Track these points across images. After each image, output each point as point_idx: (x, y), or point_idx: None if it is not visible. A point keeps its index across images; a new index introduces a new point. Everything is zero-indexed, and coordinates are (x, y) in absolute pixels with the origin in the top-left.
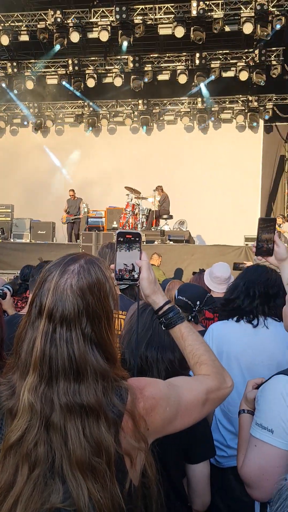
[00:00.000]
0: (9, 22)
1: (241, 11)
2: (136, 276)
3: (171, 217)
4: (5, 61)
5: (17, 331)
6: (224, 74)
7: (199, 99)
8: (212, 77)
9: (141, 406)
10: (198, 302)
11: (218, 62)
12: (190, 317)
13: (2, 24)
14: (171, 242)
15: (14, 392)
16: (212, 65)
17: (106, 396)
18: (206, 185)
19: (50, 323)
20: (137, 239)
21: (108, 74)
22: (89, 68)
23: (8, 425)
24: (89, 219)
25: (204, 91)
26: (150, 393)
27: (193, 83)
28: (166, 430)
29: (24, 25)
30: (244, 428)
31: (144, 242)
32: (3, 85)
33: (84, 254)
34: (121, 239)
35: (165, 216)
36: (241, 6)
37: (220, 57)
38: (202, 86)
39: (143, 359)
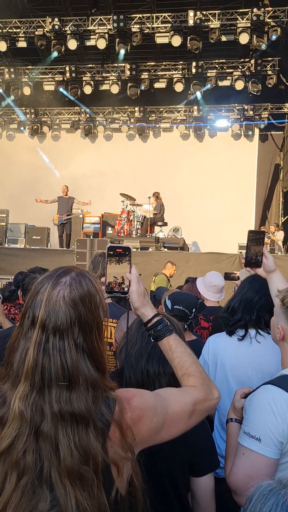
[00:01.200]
0: (7, 28)
1: (238, 22)
2: (126, 289)
3: (165, 224)
4: (3, 67)
5: (9, 342)
6: (220, 83)
7: (195, 107)
8: (208, 86)
9: (128, 416)
10: (194, 310)
11: (214, 71)
12: (185, 326)
13: (0, 30)
14: (166, 249)
15: (5, 401)
16: (209, 74)
17: (96, 405)
18: (201, 193)
19: (43, 333)
20: (127, 253)
21: (105, 81)
22: (86, 75)
23: None
24: (84, 225)
25: (200, 99)
26: (137, 403)
27: (190, 91)
28: (152, 440)
29: (22, 32)
30: (232, 437)
31: (139, 249)
32: (0, 90)
33: (75, 267)
34: (111, 253)
35: (159, 223)
36: (238, 17)
37: (217, 66)
38: (198, 94)
39: (143, 374)
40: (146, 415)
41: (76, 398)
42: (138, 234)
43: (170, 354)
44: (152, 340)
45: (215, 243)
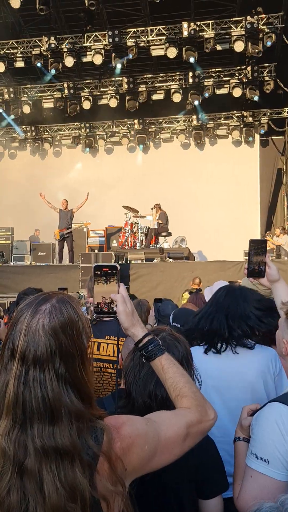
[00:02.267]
0: (5, 50)
1: (232, 30)
2: (115, 308)
3: (170, 234)
4: (2, 87)
5: None
6: (218, 91)
7: (194, 117)
8: (206, 95)
9: (117, 446)
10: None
11: (212, 80)
12: None
13: None
14: (171, 260)
15: None
16: (206, 83)
17: (81, 438)
18: (204, 201)
19: (23, 365)
20: (114, 271)
21: (103, 96)
22: (84, 90)
23: None
24: (88, 239)
25: (199, 108)
26: (127, 432)
27: (188, 101)
28: (145, 469)
29: (19, 52)
30: (240, 457)
31: (144, 261)
32: (0, 110)
33: (56, 292)
34: (98, 272)
35: (164, 234)
36: (232, 25)
37: (213, 75)
38: (196, 103)
39: (152, 398)
40: (137, 444)
41: (59, 432)
42: (143, 246)
43: (163, 375)
44: (144, 361)
45: (221, 251)
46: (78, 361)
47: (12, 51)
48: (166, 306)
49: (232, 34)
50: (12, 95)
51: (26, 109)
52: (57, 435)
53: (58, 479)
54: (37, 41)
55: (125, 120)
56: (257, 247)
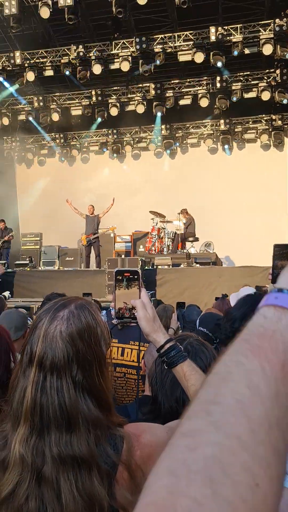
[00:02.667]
0: (34, 59)
1: (260, 33)
2: (136, 314)
3: (197, 239)
4: (32, 96)
5: (11, 379)
6: (246, 95)
7: (222, 121)
8: (234, 99)
9: (137, 454)
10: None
11: (239, 83)
12: None
13: (28, 61)
14: (198, 265)
15: (6, 443)
16: (234, 87)
17: (99, 446)
18: (232, 206)
19: (41, 371)
20: (136, 276)
21: (131, 102)
22: (111, 97)
23: (0, 478)
24: (115, 244)
25: (227, 112)
26: (148, 440)
27: (215, 106)
28: None
29: (48, 61)
30: None
31: (170, 266)
32: (30, 118)
33: (75, 298)
34: (120, 277)
35: (191, 239)
36: (260, 29)
37: (241, 78)
38: (224, 107)
39: (179, 402)
40: (157, 452)
41: (76, 441)
42: (170, 251)
43: (185, 382)
44: (166, 367)
45: (249, 256)
46: (96, 368)
47: (41, 60)
48: (191, 312)
49: (260, 38)
50: (41, 103)
51: (55, 117)
52: (74, 443)
53: (75, 487)
54: (66, 49)
55: (152, 125)
56: (282, 252)
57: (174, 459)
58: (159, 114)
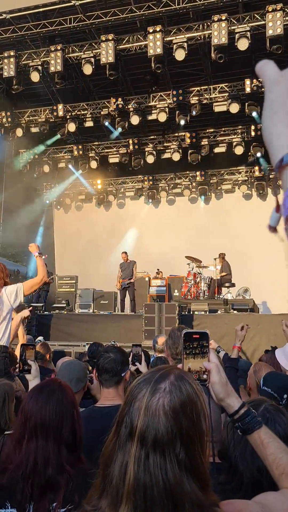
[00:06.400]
0: (76, 111)
1: None
2: (205, 376)
3: (233, 285)
4: (72, 145)
5: (104, 450)
6: None
7: (256, 168)
8: None
9: None
10: (286, 396)
11: None
12: None
13: (70, 113)
14: (235, 311)
15: None
16: None
17: None
18: (268, 252)
19: (143, 447)
20: (205, 339)
21: (167, 150)
22: (148, 146)
23: None
24: (150, 288)
25: (262, 160)
26: None
27: (250, 153)
28: None
29: (89, 113)
30: None
31: (207, 312)
32: (70, 166)
33: (172, 368)
34: (188, 340)
35: (227, 284)
36: None
37: None
38: (259, 155)
39: (262, 473)
40: None
41: None
42: (205, 296)
43: (263, 451)
44: (240, 434)
45: (285, 303)
46: (197, 445)
47: (82, 112)
48: (242, 367)
49: None
50: (80, 152)
51: (93, 165)
52: None
53: None
54: (105, 102)
55: (187, 172)
56: None
57: None
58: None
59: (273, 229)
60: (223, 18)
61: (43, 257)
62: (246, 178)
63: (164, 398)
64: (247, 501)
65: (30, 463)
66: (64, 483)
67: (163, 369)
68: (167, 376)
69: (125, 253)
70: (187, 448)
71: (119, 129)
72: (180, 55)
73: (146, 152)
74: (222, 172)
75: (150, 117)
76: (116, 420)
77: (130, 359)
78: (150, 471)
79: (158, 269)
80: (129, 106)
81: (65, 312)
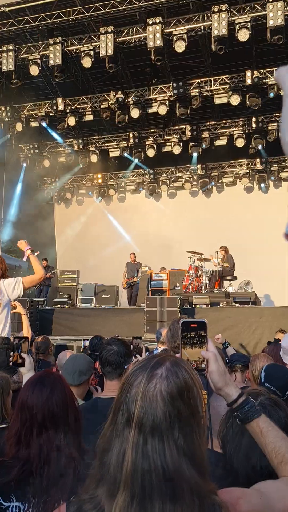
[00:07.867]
0: (76, 105)
1: None
2: (203, 366)
3: (235, 278)
4: (72, 139)
5: (101, 439)
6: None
7: (258, 160)
8: (270, 139)
9: None
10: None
11: (275, 124)
12: None
13: (70, 107)
14: (237, 305)
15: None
16: (270, 128)
17: None
18: (269, 245)
19: (141, 433)
20: (203, 328)
21: (167, 144)
22: (148, 139)
23: None
24: (151, 282)
25: (262, 152)
26: (245, 509)
27: (251, 146)
28: None
29: (88, 107)
30: None
31: (209, 305)
32: (70, 161)
33: (167, 355)
34: (186, 329)
35: (229, 278)
36: None
37: (277, 119)
38: (260, 147)
39: (256, 470)
40: None
41: (182, 511)
42: (207, 290)
43: (262, 439)
44: (239, 423)
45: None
46: (195, 430)
47: (82, 106)
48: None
49: None
50: (81, 146)
51: (94, 159)
52: None
53: None
54: (105, 96)
55: (188, 165)
56: None
57: None
58: (195, 154)
59: None
60: (223, 8)
61: (35, 253)
62: (248, 171)
63: (161, 383)
64: (245, 489)
65: (43, 454)
66: (72, 472)
67: (158, 356)
68: (162, 363)
69: (134, 254)
70: (185, 434)
71: (119, 123)
72: (180, 47)
73: (147, 146)
74: (223, 165)
75: (150, 110)
76: (112, 409)
77: None
78: (149, 457)
79: (162, 268)
80: (129, 99)
81: (66, 307)
